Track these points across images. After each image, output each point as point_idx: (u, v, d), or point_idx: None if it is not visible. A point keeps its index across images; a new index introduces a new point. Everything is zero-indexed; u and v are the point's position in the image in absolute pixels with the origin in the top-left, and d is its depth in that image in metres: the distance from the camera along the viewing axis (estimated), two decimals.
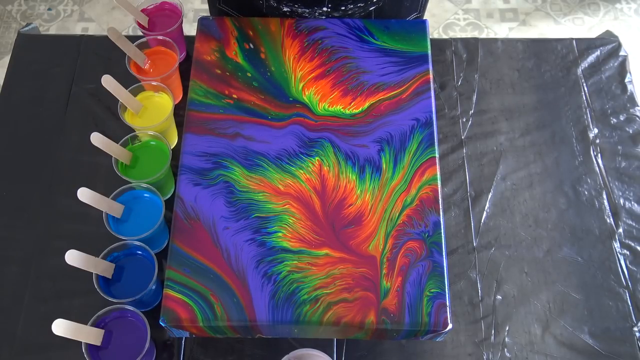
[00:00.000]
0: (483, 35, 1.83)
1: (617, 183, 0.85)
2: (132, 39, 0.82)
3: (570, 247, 0.80)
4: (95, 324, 0.65)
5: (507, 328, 0.75)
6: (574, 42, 0.96)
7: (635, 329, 0.76)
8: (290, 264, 0.67)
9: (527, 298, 0.77)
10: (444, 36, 1.81)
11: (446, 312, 0.65)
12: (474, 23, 1.85)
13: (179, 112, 0.81)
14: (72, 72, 0.91)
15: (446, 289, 0.66)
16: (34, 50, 0.94)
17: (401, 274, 0.67)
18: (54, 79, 0.91)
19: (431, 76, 0.78)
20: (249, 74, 0.78)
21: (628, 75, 0.93)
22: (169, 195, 0.80)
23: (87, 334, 0.63)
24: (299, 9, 0.83)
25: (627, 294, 0.78)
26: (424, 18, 0.90)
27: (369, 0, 0.82)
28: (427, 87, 0.77)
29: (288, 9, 0.83)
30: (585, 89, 0.92)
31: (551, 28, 1.85)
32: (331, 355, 0.73)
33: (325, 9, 0.82)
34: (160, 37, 0.82)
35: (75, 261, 0.64)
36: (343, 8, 0.83)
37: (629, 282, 0.78)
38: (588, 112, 0.90)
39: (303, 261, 0.67)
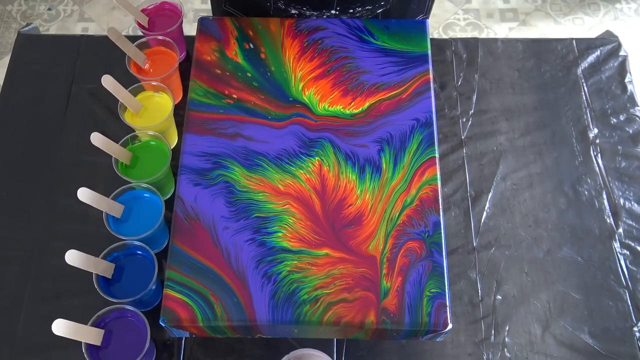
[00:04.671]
0: (483, 35, 1.83)
1: (617, 183, 0.85)
2: (132, 39, 0.82)
3: (570, 247, 0.80)
4: (95, 324, 0.65)
5: (507, 328, 0.75)
6: (574, 42, 0.96)
7: (635, 329, 0.76)
8: (290, 264, 0.67)
9: (527, 298, 0.77)
10: (444, 36, 1.81)
11: (446, 312, 0.65)
12: (474, 23, 1.85)
13: (179, 112, 0.81)
14: (72, 72, 0.91)
15: (446, 289, 0.66)
16: (34, 50, 0.94)
17: (401, 274, 0.67)
18: (54, 79, 0.91)
19: (431, 76, 0.78)
20: (249, 74, 0.78)
21: (628, 75, 0.93)
22: (169, 195, 0.80)
23: (87, 334, 0.63)
24: (307, 12, 0.83)
25: (627, 294, 0.78)
26: None
27: (377, 2, 0.82)
28: (427, 87, 0.77)
29: (296, 12, 0.83)
30: (585, 89, 0.92)
31: (551, 28, 1.85)
32: (331, 355, 0.73)
33: (333, 11, 0.82)
34: (160, 37, 0.82)
35: (75, 261, 0.64)
36: (351, 11, 0.83)
37: (629, 282, 0.78)
38: (588, 112, 0.90)
39: (303, 261, 0.67)
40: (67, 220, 0.80)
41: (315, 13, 0.83)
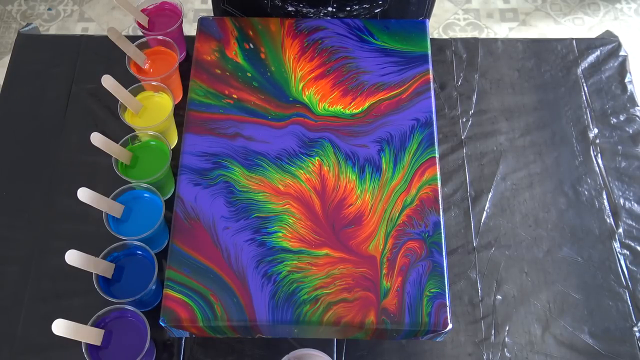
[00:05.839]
0: (483, 35, 1.83)
1: (617, 183, 0.85)
2: (132, 39, 0.82)
3: (570, 247, 0.80)
4: (95, 324, 0.65)
5: (507, 328, 0.75)
6: (574, 42, 0.96)
7: (635, 329, 0.76)
8: (290, 264, 0.67)
9: (527, 298, 0.77)
10: (444, 36, 1.81)
11: (446, 312, 0.65)
12: (474, 23, 1.85)
13: (179, 112, 0.81)
14: (72, 72, 0.91)
15: (446, 289, 0.66)
16: (34, 50, 0.94)
17: (401, 274, 0.67)
18: (54, 79, 0.91)
19: (431, 76, 0.78)
20: (249, 74, 0.78)
21: (628, 75, 0.93)
22: (169, 195, 0.80)
23: (87, 334, 0.63)
24: (304, 9, 0.83)
25: (627, 294, 0.78)
26: None
27: (375, 1, 0.82)
28: (427, 87, 0.77)
29: (293, 9, 0.83)
30: (585, 89, 0.92)
31: (551, 28, 1.85)
32: (331, 355, 0.73)
33: (330, 9, 0.82)
34: (160, 37, 0.82)
35: (75, 261, 0.64)
36: (348, 9, 0.83)
37: (629, 282, 0.78)
38: (588, 112, 0.90)
39: (303, 261, 0.67)
40: (67, 220, 0.80)
41: (312, 10, 0.83)
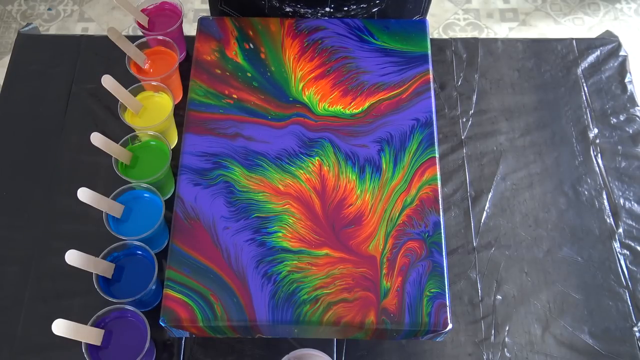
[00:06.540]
0: (483, 35, 1.83)
1: (617, 183, 0.85)
2: (132, 39, 0.82)
3: (570, 247, 0.80)
4: (95, 324, 0.65)
5: (507, 328, 0.75)
6: (574, 42, 0.96)
7: (635, 329, 0.76)
8: (290, 264, 0.67)
9: (527, 298, 0.77)
10: (444, 36, 1.81)
11: (446, 312, 0.65)
12: (474, 23, 1.85)
13: (179, 112, 0.81)
14: (72, 72, 0.91)
15: (446, 289, 0.66)
16: (34, 50, 0.94)
17: (401, 274, 0.67)
18: (54, 79, 0.91)
19: (431, 76, 0.78)
20: (249, 74, 0.78)
21: (628, 75, 0.93)
22: (169, 195, 0.80)
23: (87, 334, 0.63)
24: (302, 10, 0.83)
25: (627, 294, 0.78)
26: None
27: (372, 1, 0.82)
28: (427, 87, 0.77)
29: (290, 10, 0.83)
30: (585, 89, 0.92)
31: (551, 28, 1.85)
32: (331, 355, 0.73)
33: (327, 9, 0.82)
34: (160, 37, 0.82)
35: (75, 261, 0.64)
36: (346, 9, 0.83)
37: (629, 282, 0.78)
38: (588, 112, 0.90)
39: (303, 261, 0.67)
40: (67, 220, 0.80)
41: (310, 10, 0.83)
